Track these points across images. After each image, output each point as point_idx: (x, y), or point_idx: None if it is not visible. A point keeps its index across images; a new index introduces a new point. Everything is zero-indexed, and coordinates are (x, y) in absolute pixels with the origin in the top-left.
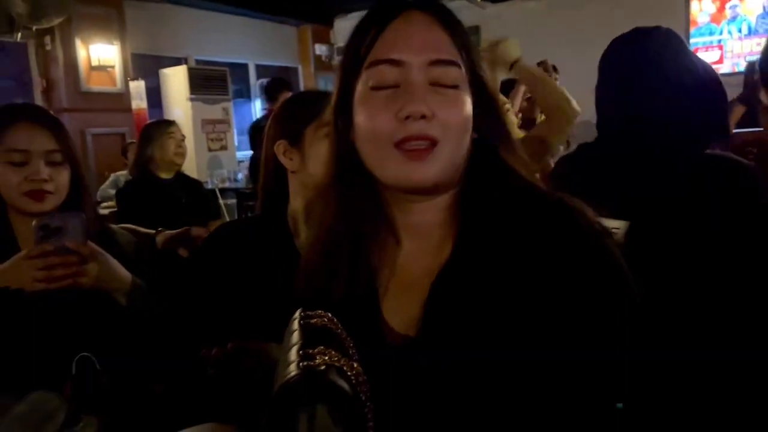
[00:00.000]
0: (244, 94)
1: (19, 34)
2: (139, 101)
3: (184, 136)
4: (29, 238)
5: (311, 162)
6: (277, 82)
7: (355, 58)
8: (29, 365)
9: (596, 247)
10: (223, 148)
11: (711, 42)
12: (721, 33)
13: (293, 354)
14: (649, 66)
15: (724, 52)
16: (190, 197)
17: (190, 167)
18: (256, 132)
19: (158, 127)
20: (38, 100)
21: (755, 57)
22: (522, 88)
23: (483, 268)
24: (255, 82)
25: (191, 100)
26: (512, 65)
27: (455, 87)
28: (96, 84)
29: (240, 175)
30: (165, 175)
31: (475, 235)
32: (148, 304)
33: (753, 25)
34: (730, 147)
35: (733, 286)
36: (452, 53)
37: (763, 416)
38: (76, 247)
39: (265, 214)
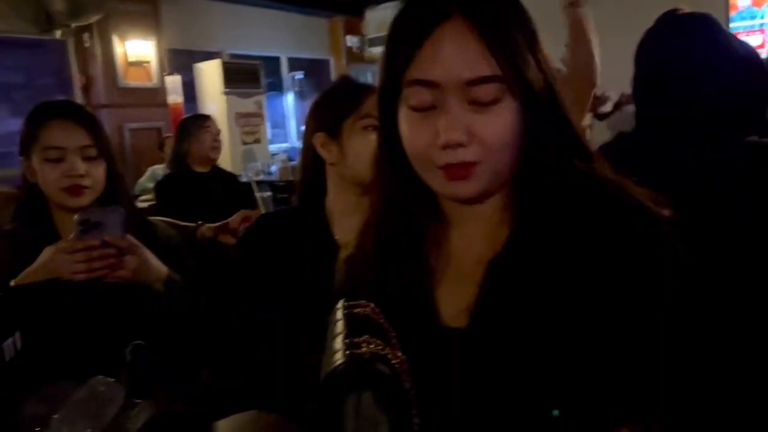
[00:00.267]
0: (276, 87)
1: (59, 32)
2: (175, 96)
3: (219, 130)
4: (70, 231)
5: (350, 154)
6: None
7: (392, 75)
8: (83, 354)
9: (653, 237)
10: (257, 141)
11: (752, 26)
12: (762, 17)
13: (339, 342)
14: (686, 54)
15: (767, 36)
16: (226, 190)
17: (225, 160)
18: None
19: (194, 121)
20: (78, 96)
21: None
22: None
23: (538, 257)
24: (287, 75)
25: (225, 93)
26: (568, 4)
27: (495, 102)
28: (132, 79)
29: (273, 168)
30: (201, 169)
31: (530, 222)
32: (184, 297)
33: None
34: None
35: None
36: (491, 67)
37: None
38: (115, 240)
39: (303, 206)
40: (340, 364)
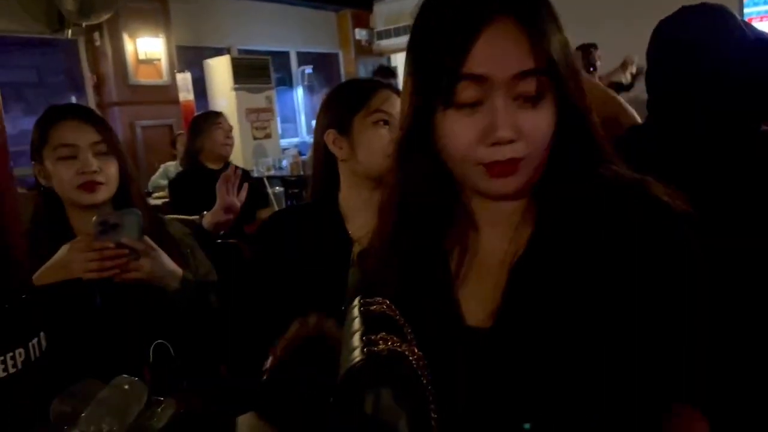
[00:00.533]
0: (286, 82)
1: (70, 31)
2: (186, 93)
3: (231, 127)
4: (86, 231)
5: (360, 150)
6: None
7: (437, 70)
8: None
9: (675, 237)
10: (267, 136)
11: (766, 12)
12: None
13: (356, 340)
14: (698, 46)
15: None
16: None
17: (236, 156)
18: None
19: (206, 118)
20: (89, 94)
21: None
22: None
23: (561, 256)
24: (297, 70)
25: (235, 89)
26: None
27: (540, 97)
28: (143, 77)
29: (285, 163)
30: (214, 166)
31: (553, 221)
32: (199, 296)
33: None
34: None
35: None
36: (537, 60)
37: None
38: (132, 243)
39: (317, 203)
40: (358, 362)
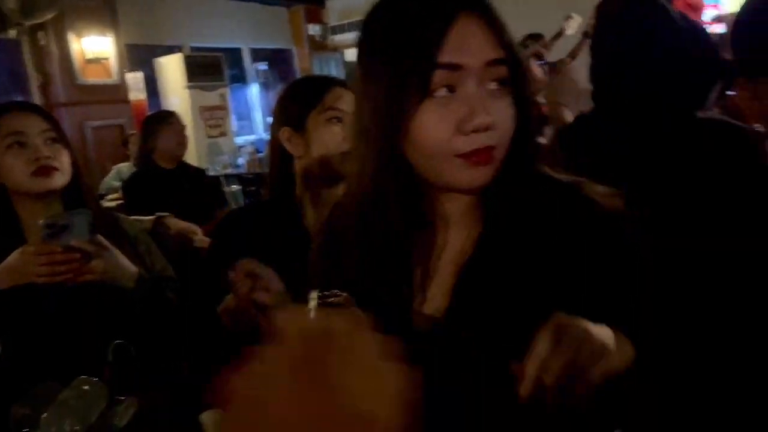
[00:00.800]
0: (240, 79)
1: (13, 31)
2: (137, 92)
3: (184, 126)
4: (36, 226)
5: (315, 147)
6: None
7: (409, 63)
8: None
9: (610, 232)
10: (223, 134)
11: (708, 1)
12: None
13: None
14: (633, 38)
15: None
16: (194, 186)
17: (191, 155)
18: None
19: (159, 118)
20: (35, 95)
21: None
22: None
23: (508, 255)
24: (251, 67)
25: (188, 87)
26: None
27: (505, 86)
28: (92, 77)
29: (241, 161)
30: (168, 166)
31: (500, 221)
32: (155, 294)
33: None
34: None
35: (731, 251)
36: (503, 51)
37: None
38: (82, 245)
39: (273, 199)
40: None
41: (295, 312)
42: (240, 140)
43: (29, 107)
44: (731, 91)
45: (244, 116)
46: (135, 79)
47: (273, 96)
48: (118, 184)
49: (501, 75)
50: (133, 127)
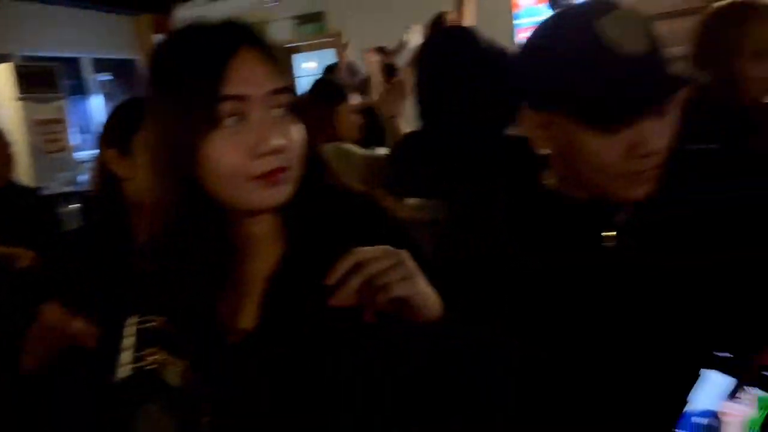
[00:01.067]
0: (80, 90)
1: None
2: None
3: (9, 143)
4: None
5: (142, 170)
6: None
7: (197, 97)
8: None
9: (398, 240)
10: (62, 149)
11: (537, 23)
12: (541, 15)
13: (127, 356)
14: (447, 64)
15: None
16: (24, 207)
17: (25, 173)
18: None
19: None
20: None
21: None
22: None
23: (309, 268)
24: (92, 77)
25: (20, 99)
26: None
27: (292, 113)
28: None
29: (83, 177)
30: None
31: (300, 238)
32: None
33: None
34: None
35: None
36: (285, 80)
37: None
38: None
39: (101, 221)
40: (125, 377)
41: None
42: (83, 155)
43: None
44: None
45: (87, 130)
46: None
47: None
48: None
49: (285, 102)
50: None
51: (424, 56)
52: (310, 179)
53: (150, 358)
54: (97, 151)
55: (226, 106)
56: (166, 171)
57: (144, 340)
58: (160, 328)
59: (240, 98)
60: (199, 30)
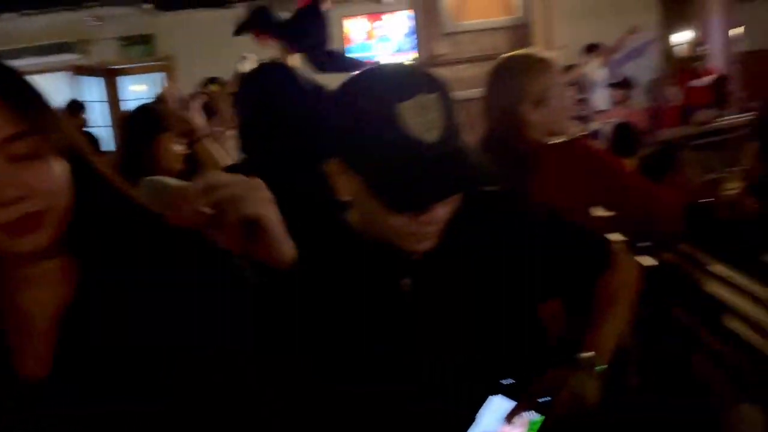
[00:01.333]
0: None
1: None
2: None
3: None
4: None
5: None
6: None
7: None
8: None
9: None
10: None
11: (367, 58)
12: (372, 49)
13: None
14: (265, 100)
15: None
16: None
17: None
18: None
19: None
20: None
21: None
22: None
23: (105, 300)
24: None
25: None
26: None
27: (38, 156)
28: None
29: None
30: None
31: (95, 269)
32: None
33: (400, 43)
34: None
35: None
36: (21, 125)
37: None
38: None
39: None
40: None
41: None
42: None
43: None
44: None
45: None
46: None
47: None
48: None
49: (26, 147)
50: None
51: (243, 90)
52: (89, 213)
53: None
54: None
55: None
56: None
57: None
58: None
59: None
60: None
